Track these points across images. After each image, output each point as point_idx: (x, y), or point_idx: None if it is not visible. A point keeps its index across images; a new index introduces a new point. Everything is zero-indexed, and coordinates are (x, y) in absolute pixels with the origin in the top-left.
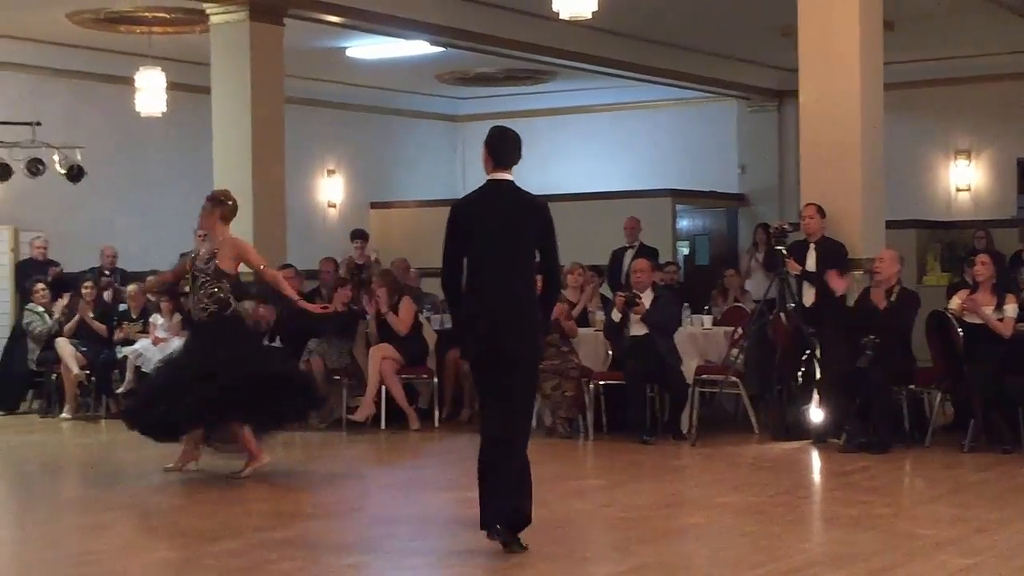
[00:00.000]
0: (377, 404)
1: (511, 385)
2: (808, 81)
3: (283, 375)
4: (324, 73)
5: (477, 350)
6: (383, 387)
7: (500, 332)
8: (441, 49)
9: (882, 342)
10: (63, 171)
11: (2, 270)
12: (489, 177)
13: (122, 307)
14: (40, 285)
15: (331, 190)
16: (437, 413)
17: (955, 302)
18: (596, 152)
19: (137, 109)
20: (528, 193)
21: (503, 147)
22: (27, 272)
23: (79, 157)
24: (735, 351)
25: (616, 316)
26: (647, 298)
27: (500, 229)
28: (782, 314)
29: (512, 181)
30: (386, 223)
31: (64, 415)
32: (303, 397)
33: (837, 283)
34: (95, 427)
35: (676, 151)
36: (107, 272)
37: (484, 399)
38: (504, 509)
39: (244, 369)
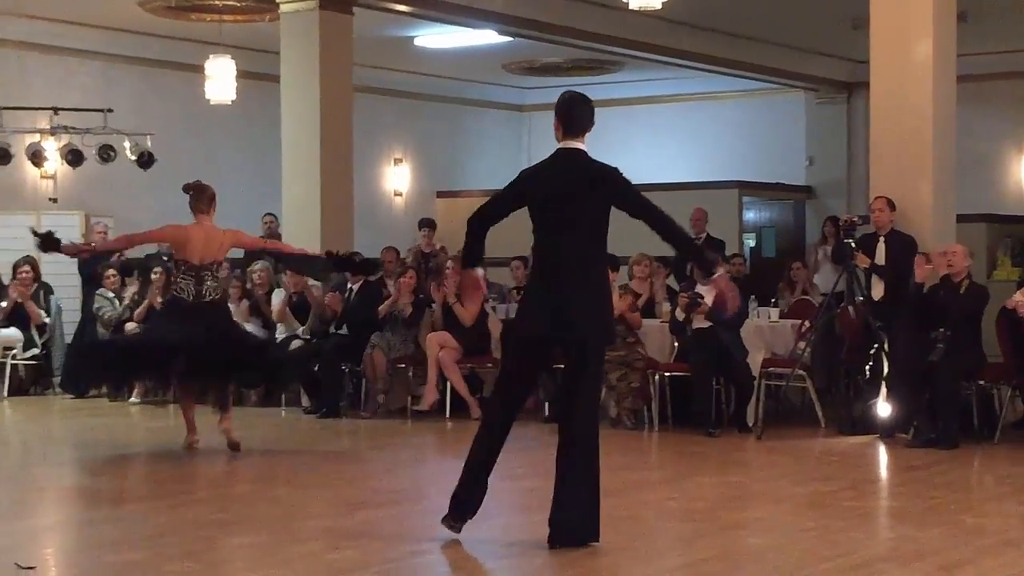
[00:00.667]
0: (440, 391)
1: (576, 375)
2: (879, 73)
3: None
4: (392, 62)
5: (532, 330)
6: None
7: (563, 314)
8: (508, 39)
9: (951, 337)
10: (133, 158)
11: None
12: (559, 146)
13: None
14: (111, 271)
15: (398, 179)
16: None
17: (1016, 297)
18: (662, 143)
19: (207, 97)
20: (599, 163)
21: (573, 113)
22: (89, 258)
23: (149, 144)
24: (802, 344)
25: (680, 315)
26: (712, 290)
27: (567, 202)
28: (850, 307)
29: (583, 151)
30: (452, 212)
31: (133, 399)
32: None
33: (921, 270)
34: (163, 411)
35: (743, 143)
36: (165, 258)
37: (510, 382)
38: (566, 519)
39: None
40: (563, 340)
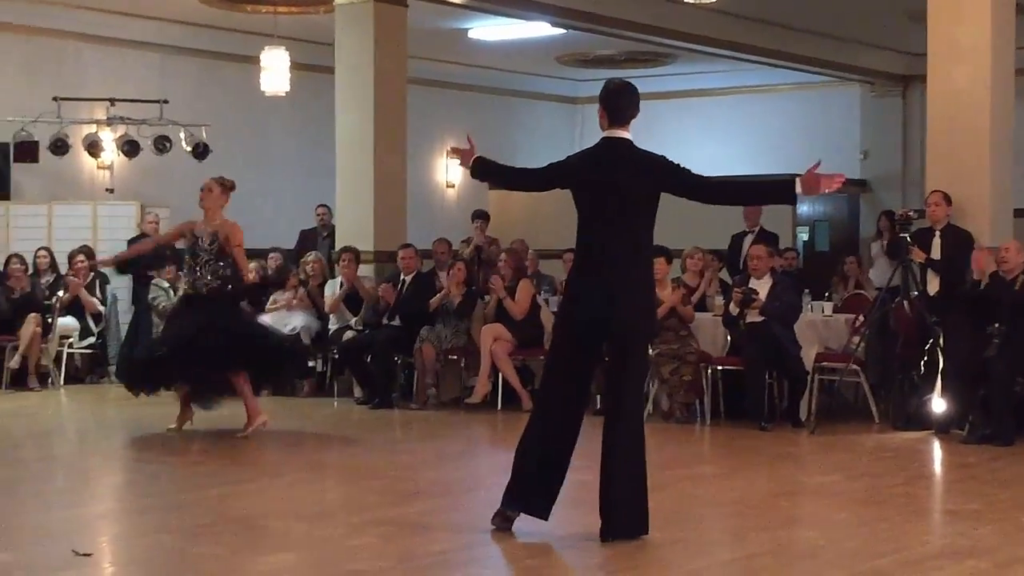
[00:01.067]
0: (492, 383)
1: (620, 368)
2: (937, 66)
3: (274, 341)
4: (446, 54)
5: (573, 322)
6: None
7: (606, 307)
8: (562, 31)
9: (1007, 332)
10: (188, 149)
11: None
12: (604, 135)
13: None
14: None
15: (450, 171)
16: None
17: None
18: (716, 136)
19: (262, 88)
20: (644, 152)
21: (619, 102)
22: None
23: (204, 135)
24: (856, 339)
25: (734, 310)
26: (765, 284)
27: (612, 192)
28: (905, 302)
29: (629, 140)
30: (505, 204)
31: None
32: (292, 363)
33: (979, 263)
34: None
35: (797, 136)
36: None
37: (554, 376)
38: (617, 513)
39: (237, 331)
40: (606, 333)
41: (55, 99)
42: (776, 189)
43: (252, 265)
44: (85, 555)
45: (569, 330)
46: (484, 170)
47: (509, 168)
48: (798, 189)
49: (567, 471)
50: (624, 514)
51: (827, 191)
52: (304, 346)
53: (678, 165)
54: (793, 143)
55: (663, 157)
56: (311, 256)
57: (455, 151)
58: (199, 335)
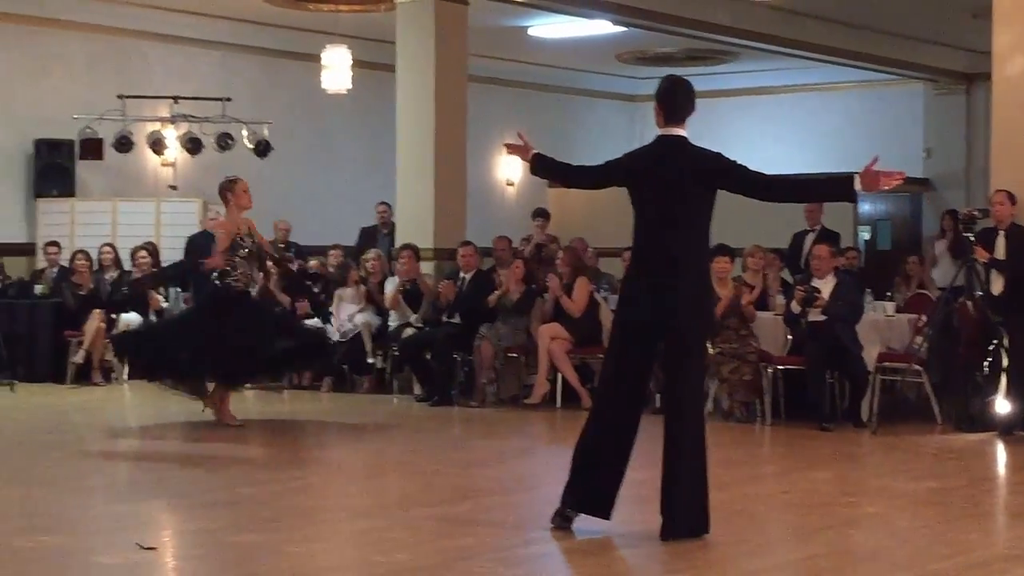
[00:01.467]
0: (552, 382)
1: (678, 367)
2: (1001, 63)
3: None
4: (506, 52)
5: (631, 318)
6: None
7: (664, 304)
8: (622, 29)
9: None
10: (251, 146)
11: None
12: (660, 133)
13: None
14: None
15: (510, 168)
16: None
17: None
18: (777, 134)
19: (323, 86)
20: (700, 149)
21: (676, 99)
22: (197, 244)
23: (266, 133)
24: (919, 339)
25: (796, 308)
26: (828, 283)
27: (668, 190)
28: (969, 302)
29: (684, 137)
30: (564, 202)
31: (248, 385)
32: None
33: None
34: (278, 396)
35: (859, 134)
36: (282, 245)
37: (611, 376)
38: (678, 512)
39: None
40: (662, 333)
41: (119, 97)
42: (835, 186)
43: (313, 262)
44: (149, 548)
45: (625, 331)
46: (542, 166)
47: (566, 165)
48: (857, 186)
49: (626, 470)
50: (685, 513)
51: (886, 188)
52: (328, 343)
53: (734, 162)
54: (856, 142)
55: (719, 154)
56: (371, 253)
57: (509, 148)
58: (259, 335)
